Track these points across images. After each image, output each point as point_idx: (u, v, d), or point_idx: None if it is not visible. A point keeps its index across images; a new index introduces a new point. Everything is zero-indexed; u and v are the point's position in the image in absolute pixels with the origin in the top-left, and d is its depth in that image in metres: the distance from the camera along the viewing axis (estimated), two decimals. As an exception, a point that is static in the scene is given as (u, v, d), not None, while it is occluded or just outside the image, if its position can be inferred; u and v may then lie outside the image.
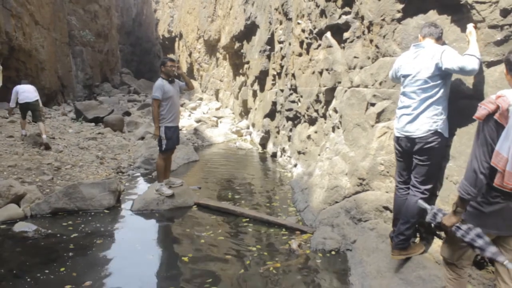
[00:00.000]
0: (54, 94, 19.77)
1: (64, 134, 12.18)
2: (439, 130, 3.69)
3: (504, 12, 3.26)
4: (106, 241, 5.39)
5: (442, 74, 3.60)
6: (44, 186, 7.18)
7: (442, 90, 3.65)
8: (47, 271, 4.47)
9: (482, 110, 2.57)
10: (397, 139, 4.04)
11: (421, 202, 3.23)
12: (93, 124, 15.08)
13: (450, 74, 3.63)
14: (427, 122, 3.70)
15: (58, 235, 5.49)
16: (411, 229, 3.94)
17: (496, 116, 2.51)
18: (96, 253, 5.03)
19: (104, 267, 4.68)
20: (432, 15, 4.23)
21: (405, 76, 3.90)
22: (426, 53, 3.70)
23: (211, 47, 22.48)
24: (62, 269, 4.52)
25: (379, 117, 5.16)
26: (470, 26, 3.51)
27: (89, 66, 25.26)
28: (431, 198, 3.94)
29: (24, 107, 10.36)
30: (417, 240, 4.28)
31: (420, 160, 3.83)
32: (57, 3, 20.72)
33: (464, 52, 3.48)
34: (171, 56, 31.13)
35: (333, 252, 4.91)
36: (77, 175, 8.09)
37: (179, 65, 6.95)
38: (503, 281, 2.72)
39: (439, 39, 3.79)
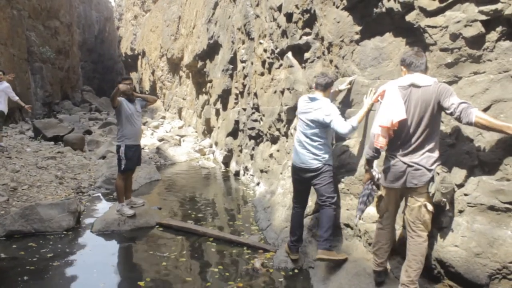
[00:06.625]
0: (11, 111, 19.10)
1: (22, 153, 11.77)
2: (326, 163, 4.58)
3: (453, 37, 3.43)
4: (64, 264, 5.22)
5: (325, 125, 4.48)
6: (-2, 207, 6.92)
7: (326, 134, 4.60)
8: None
9: (376, 95, 3.91)
10: (293, 168, 4.83)
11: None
12: (52, 143, 14.64)
13: None
14: (316, 157, 4.58)
15: (12, 258, 5.27)
16: (329, 231, 4.52)
17: (380, 98, 3.72)
18: (52, 277, 4.86)
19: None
20: (388, 37, 4.39)
21: (300, 119, 4.75)
22: (315, 106, 4.55)
23: (174, 66, 22.42)
24: (14, 294, 4.33)
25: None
26: (368, 92, 4.41)
27: (49, 83, 24.56)
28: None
29: None
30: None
31: (317, 184, 4.63)
32: (15, 18, 20.19)
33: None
34: (133, 74, 30.85)
35: (296, 270, 4.93)
36: (34, 196, 7.82)
37: (130, 87, 6.68)
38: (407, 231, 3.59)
39: (326, 89, 4.66)
